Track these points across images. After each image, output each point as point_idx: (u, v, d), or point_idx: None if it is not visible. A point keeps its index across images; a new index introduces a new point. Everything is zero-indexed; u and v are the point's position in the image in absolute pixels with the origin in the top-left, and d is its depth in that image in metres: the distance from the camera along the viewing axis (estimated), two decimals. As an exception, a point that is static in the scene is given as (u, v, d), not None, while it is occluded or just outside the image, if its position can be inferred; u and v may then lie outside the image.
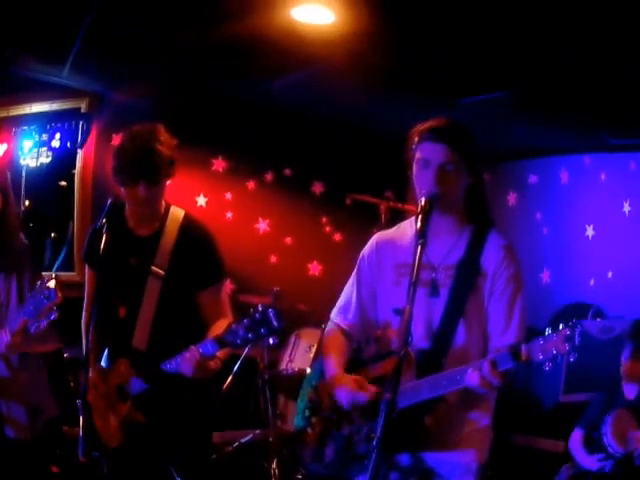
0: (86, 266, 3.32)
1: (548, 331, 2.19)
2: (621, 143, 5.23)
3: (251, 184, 6.54)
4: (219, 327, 2.91)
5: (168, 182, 3.06)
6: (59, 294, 2.66)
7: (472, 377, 2.29)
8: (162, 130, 2.98)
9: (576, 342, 2.10)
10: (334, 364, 2.70)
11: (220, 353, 2.87)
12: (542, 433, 4.83)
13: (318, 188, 6.86)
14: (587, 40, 3.87)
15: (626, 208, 5.47)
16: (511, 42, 4.00)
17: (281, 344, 5.27)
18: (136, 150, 2.89)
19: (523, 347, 2.22)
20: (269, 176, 6.63)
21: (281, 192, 6.54)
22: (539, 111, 4.97)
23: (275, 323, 2.56)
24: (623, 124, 4.93)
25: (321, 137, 6.39)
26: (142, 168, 2.88)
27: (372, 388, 2.48)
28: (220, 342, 2.74)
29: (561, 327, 2.16)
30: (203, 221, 3.22)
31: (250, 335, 2.60)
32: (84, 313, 3.31)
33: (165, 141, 2.95)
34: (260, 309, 2.58)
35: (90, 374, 2.96)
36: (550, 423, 4.71)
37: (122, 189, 2.98)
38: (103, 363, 3.13)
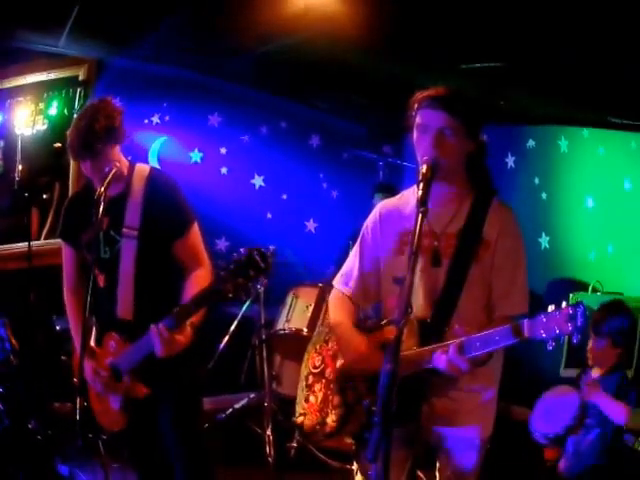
0: (63, 244, 3.22)
1: (551, 308, 2.13)
2: (622, 122, 5.13)
3: (246, 138, 6.42)
4: (197, 280, 2.89)
5: (119, 145, 3.01)
6: (13, 341, 2.57)
7: (440, 360, 2.30)
8: (104, 105, 2.94)
9: (578, 323, 2.05)
10: (350, 329, 2.64)
11: (194, 318, 2.81)
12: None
13: (315, 141, 6.76)
14: (589, 34, 3.79)
15: (626, 185, 5.41)
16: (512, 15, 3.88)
17: (278, 302, 5.23)
18: (73, 133, 2.93)
19: (525, 323, 2.18)
20: (264, 129, 6.52)
21: (277, 146, 6.44)
22: (538, 82, 4.86)
23: (262, 263, 2.54)
24: (625, 103, 4.81)
25: (319, 89, 6.26)
26: (80, 148, 2.91)
27: None
28: (201, 300, 2.69)
29: (564, 305, 2.11)
30: (167, 172, 3.20)
31: (239, 280, 2.56)
32: (65, 294, 3.21)
33: (102, 115, 2.90)
34: (244, 252, 2.55)
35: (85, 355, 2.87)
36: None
37: None
38: (92, 342, 3.04)
